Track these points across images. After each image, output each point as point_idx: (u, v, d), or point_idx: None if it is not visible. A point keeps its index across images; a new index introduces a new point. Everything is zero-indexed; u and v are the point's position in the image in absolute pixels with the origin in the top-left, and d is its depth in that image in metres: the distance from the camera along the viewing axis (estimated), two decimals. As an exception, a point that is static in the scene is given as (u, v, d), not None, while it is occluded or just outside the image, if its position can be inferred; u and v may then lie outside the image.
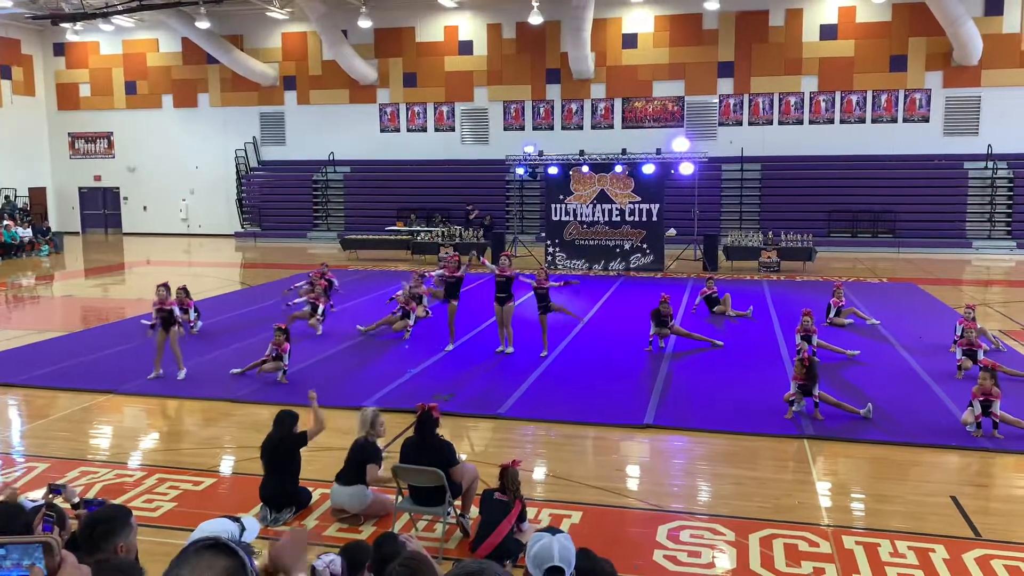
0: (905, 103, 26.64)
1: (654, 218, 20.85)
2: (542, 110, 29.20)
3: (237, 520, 2.89)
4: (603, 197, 21.09)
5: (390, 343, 12.76)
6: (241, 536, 2.82)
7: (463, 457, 6.61)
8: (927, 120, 26.51)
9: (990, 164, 25.65)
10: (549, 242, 21.77)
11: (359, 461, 6.48)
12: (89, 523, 3.07)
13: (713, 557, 5.89)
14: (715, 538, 6.16)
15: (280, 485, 6.54)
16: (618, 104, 28.54)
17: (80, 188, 34.11)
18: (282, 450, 6.58)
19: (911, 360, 11.44)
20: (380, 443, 6.72)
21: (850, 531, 6.29)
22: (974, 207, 25.63)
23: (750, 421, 8.87)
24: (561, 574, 3.00)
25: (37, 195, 33.10)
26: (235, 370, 10.83)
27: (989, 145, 25.74)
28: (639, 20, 27.93)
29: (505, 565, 5.61)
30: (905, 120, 26.68)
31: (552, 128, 28.96)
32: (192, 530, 2.91)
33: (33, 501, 4.04)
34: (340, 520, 6.48)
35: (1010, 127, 25.63)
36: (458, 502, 6.29)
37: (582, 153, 21.75)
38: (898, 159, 26.35)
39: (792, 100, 27.33)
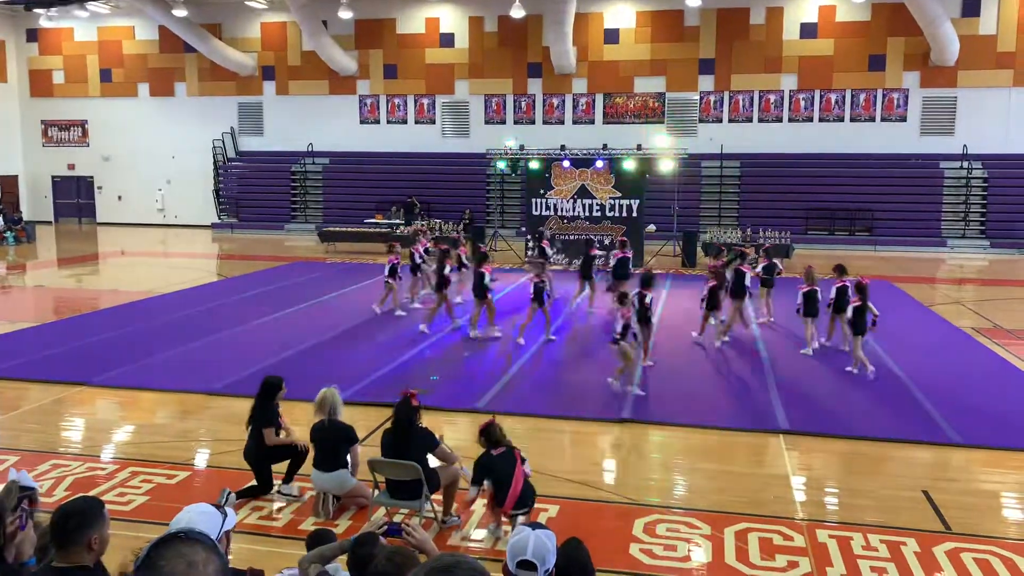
0: (883, 102, 26.88)
1: (634, 214, 20.90)
2: (523, 104, 29.14)
3: (221, 509, 2.89)
4: (584, 192, 21.10)
5: (368, 334, 12.69)
6: (223, 524, 2.83)
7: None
8: (904, 120, 26.77)
9: (965, 164, 25.97)
10: (529, 236, 21.75)
11: (335, 443, 6.49)
12: (62, 516, 3.02)
13: (689, 551, 5.93)
14: (691, 532, 6.21)
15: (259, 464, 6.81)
16: (599, 99, 28.55)
17: (53, 177, 33.55)
18: (265, 451, 6.81)
19: (885, 355, 11.56)
20: (360, 434, 6.74)
21: (823, 525, 6.37)
22: (949, 206, 25.92)
23: (726, 416, 8.94)
24: (532, 568, 2.99)
25: (8, 183, 32.53)
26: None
27: (964, 145, 26.05)
28: (621, 15, 27.94)
29: (526, 513, 5.88)
30: (883, 119, 26.93)
31: (533, 122, 28.90)
32: (165, 523, 2.88)
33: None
34: (315, 515, 6.46)
35: (985, 128, 25.95)
36: (437, 496, 6.28)
37: (563, 148, 21.75)
38: (876, 158, 26.59)
39: (772, 98, 27.49)
